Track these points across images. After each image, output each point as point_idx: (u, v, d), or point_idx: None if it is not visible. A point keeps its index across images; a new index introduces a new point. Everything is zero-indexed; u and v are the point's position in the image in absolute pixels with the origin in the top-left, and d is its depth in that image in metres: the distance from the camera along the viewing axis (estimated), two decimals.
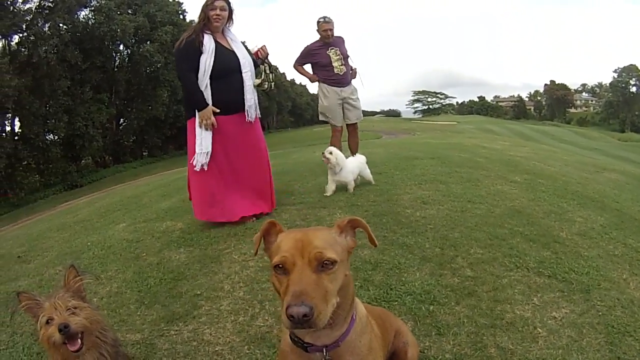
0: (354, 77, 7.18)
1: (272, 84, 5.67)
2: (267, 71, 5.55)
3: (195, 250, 4.29)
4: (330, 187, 5.76)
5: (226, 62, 4.70)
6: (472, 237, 3.92)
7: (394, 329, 1.92)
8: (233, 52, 4.80)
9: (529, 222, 4.31)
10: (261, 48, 5.38)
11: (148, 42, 34.68)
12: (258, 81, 5.35)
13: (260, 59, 5.37)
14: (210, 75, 4.61)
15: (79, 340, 2.00)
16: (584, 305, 2.85)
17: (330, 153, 5.61)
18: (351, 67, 7.11)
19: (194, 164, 4.66)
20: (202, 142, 4.61)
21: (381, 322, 1.75)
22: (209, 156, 4.63)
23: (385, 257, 3.59)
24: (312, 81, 7.12)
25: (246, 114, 4.83)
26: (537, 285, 3.11)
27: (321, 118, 7.22)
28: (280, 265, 1.36)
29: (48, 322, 1.99)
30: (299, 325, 1.23)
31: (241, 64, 4.78)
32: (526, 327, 2.63)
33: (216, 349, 2.72)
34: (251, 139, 4.97)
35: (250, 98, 4.83)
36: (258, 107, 5.01)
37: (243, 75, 4.78)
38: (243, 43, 5.13)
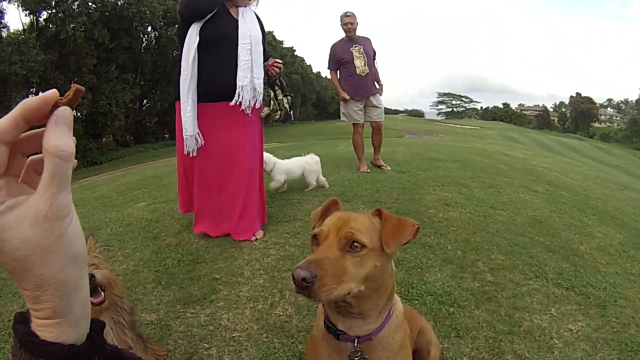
0: (380, 93, 7.10)
1: (285, 112, 4.38)
2: (280, 96, 4.31)
3: None
4: (274, 186, 5.49)
5: (219, 29, 3.76)
6: (493, 243, 3.91)
7: (418, 327, 1.93)
8: (236, 20, 3.83)
9: (550, 232, 4.29)
10: (273, 63, 4.20)
11: (176, 26, 34.73)
12: (267, 110, 4.18)
13: (272, 78, 4.27)
14: (200, 46, 3.73)
15: (102, 293, 1.88)
16: (599, 321, 2.84)
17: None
18: (375, 68, 7.06)
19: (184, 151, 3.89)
20: (186, 124, 3.78)
21: (408, 319, 1.76)
22: (199, 139, 3.81)
23: (408, 256, 3.60)
24: (342, 99, 7.00)
25: (236, 98, 3.75)
26: (555, 296, 3.10)
27: (342, 118, 7.20)
28: (316, 237, 1.39)
29: None
30: (300, 290, 1.23)
31: (240, 33, 3.76)
32: (543, 337, 2.62)
33: (233, 334, 2.68)
34: (240, 140, 3.95)
35: (245, 77, 3.76)
36: (261, 95, 3.93)
37: (239, 47, 3.75)
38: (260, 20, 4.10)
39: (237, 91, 3.74)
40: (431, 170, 7.00)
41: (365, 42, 6.95)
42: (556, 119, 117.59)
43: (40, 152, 0.55)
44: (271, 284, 3.25)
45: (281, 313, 2.88)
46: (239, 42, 3.76)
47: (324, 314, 1.51)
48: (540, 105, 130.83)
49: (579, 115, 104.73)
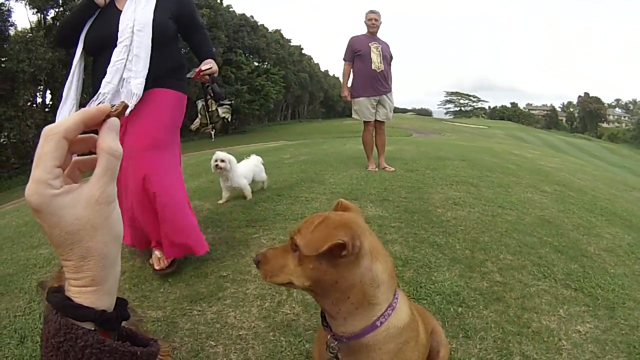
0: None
1: (222, 124, 3.74)
2: (213, 106, 3.67)
3: (223, 232, 4.23)
4: (224, 195, 5.30)
5: (99, 30, 3.15)
6: (502, 243, 3.87)
7: (430, 328, 1.91)
8: (120, 13, 3.14)
9: (558, 233, 4.24)
10: (198, 72, 3.50)
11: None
12: (196, 123, 3.70)
13: (203, 86, 3.67)
14: (87, 52, 3.21)
15: None
16: (607, 322, 2.79)
17: (222, 160, 5.04)
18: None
19: None
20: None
21: (421, 320, 1.75)
22: None
23: (416, 255, 3.57)
24: (343, 95, 7.07)
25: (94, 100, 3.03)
26: (564, 297, 3.06)
27: (354, 115, 7.17)
28: None
29: None
30: (256, 266, 1.49)
31: (120, 28, 3.06)
32: (551, 338, 2.58)
33: (240, 332, 2.65)
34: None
35: (108, 83, 3.03)
36: (134, 96, 3.07)
37: (117, 46, 3.04)
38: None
39: (94, 100, 3.03)
40: (439, 169, 6.98)
41: (384, 44, 6.98)
42: (564, 119, 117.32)
43: (85, 154, 0.72)
44: None
45: (288, 311, 2.85)
46: (118, 41, 3.07)
47: None
48: (549, 104, 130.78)
49: (587, 115, 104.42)
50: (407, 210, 4.65)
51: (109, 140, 0.67)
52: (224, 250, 3.80)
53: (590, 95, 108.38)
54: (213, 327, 2.70)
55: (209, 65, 3.47)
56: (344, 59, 7.00)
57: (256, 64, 60.74)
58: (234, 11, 56.67)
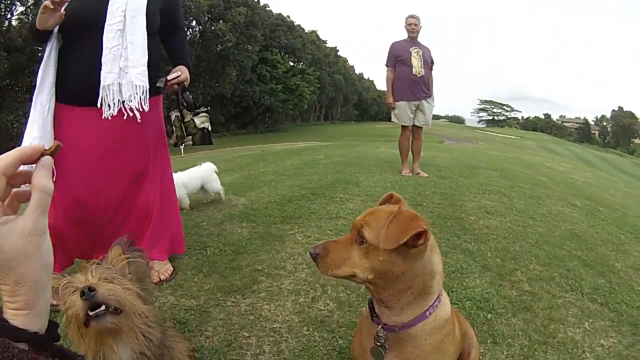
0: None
1: (201, 134, 3.23)
2: (187, 117, 3.19)
3: (258, 227, 4.24)
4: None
5: (82, 9, 2.66)
6: (532, 253, 3.90)
7: (463, 330, 1.98)
8: None
9: (587, 247, 4.25)
10: (166, 82, 3.02)
11: (221, 21, 34.88)
12: (173, 139, 3.27)
13: (174, 95, 3.19)
14: (62, 34, 2.71)
15: (106, 315, 1.43)
16: (630, 339, 2.81)
17: None
18: (431, 77, 7.07)
19: None
20: (33, 125, 2.66)
21: (456, 317, 1.82)
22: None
23: (449, 260, 3.62)
24: (388, 102, 7.08)
25: (101, 103, 2.66)
26: (590, 310, 3.09)
27: (393, 119, 7.16)
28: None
29: (73, 293, 1.47)
30: (313, 260, 1.52)
31: (109, 10, 2.64)
32: (575, 350, 2.62)
33: (274, 325, 2.67)
34: (116, 154, 2.86)
35: (110, 75, 2.65)
36: (145, 93, 2.75)
37: (105, 30, 2.64)
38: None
39: (101, 97, 2.66)
40: (472, 177, 6.98)
41: (425, 49, 6.96)
42: (597, 133, 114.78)
43: (20, 186, 0.79)
44: (313, 278, 3.24)
45: (322, 307, 2.88)
46: (106, 23, 2.64)
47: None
48: (582, 117, 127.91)
49: (620, 130, 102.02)
50: (440, 217, 4.70)
51: (40, 177, 0.74)
52: (259, 244, 3.83)
53: (625, 109, 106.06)
54: (247, 319, 2.73)
55: (176, 74, 3.04)
56: (386, 65, 6.99)
57: (291, 63, 60.84)
58: (270, 10, 56.68)
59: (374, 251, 1.43)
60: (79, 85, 2.70)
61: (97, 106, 2.66)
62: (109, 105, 2.66)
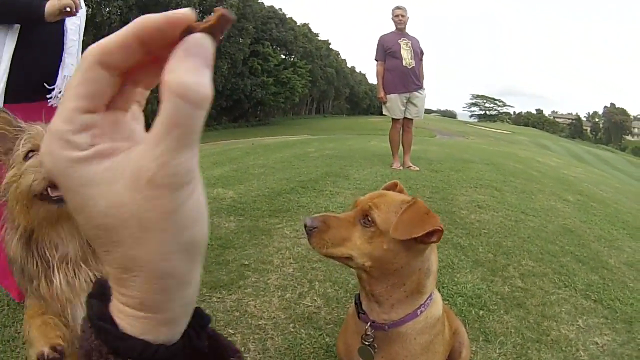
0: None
1: None
2: None
3: (246, 221, 4.13)
4: None
5: None
6: (524, 249, 3.83)
7: (453, 328, 1.90)
8: None
9: (580, 243, 4.19)
10: None
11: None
12: None
13: None
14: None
15: None
16: (625, 336, 2.76)
17: None
18: (421, 68, 7.00)
19: None
20: None
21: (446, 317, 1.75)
22: None
23: (440, 255, 3.46)
24: (379, 96, 6.99)
25: (56, 94, 2.44)
26: (583, 307, 3.03)
27: (384, 112, 7.09)
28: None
29: (28, 157, 1.24)
30: (306, 234, 1.39)
31: None
32: (569, 348, 2.56)
33: (259, 322, 2.59)
34: None
35: (72, 64, 2.48)
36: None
37: (66, 22, 2.45)
38: None
39: (57, 87, 2.44)
40: (463, 171, 6.91)
41: (414, 40, 6.88)
42: (589, 129, 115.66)
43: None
44: (301, 273, 3.17)
45: (309, 304, 2.82)
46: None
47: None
48: (574, 113, 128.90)
49: (612, 126, 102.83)
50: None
51: (181, 70, 0.34)
52: (247, 238, 3.74)
53: (617, 106, 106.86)
54: (232, 315, 2.66)
55: None
56: (375, 59, 6.92)
57: (283, 56, 61.06)
58: (262, 3, 56.86)
59: (380, 237, 1.34)
60: (37, 75, 2.44)
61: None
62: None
